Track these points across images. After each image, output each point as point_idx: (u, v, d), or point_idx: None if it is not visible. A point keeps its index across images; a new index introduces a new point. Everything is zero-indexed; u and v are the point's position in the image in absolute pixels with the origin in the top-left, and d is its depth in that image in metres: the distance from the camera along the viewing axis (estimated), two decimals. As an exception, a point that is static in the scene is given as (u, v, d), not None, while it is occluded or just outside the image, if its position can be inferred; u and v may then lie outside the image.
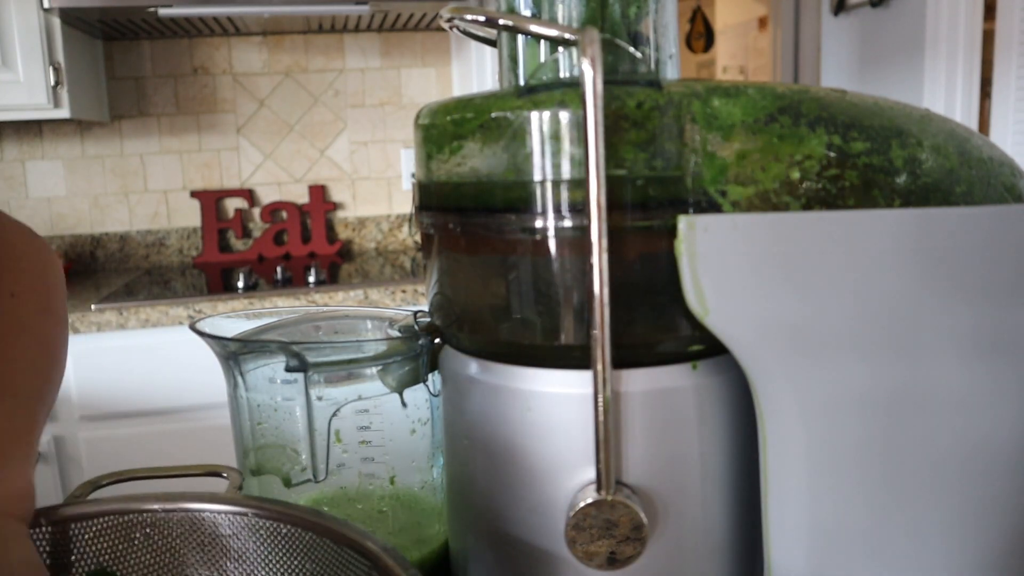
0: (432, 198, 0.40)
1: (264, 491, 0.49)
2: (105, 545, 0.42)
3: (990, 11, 1.94)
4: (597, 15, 0.38)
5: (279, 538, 0.41)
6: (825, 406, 0.35)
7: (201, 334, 0.47)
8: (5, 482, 0.40)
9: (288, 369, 0.45)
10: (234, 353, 0.47)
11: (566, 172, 0.35)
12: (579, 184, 0.35)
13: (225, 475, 0.46)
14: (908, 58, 2.11)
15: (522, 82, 0.39)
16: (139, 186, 2.07)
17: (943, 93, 2.01)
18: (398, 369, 0.46)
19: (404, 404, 0.47)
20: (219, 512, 0.42)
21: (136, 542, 0.43)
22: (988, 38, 1.95)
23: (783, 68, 2.73)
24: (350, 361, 0.45)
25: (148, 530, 0.43)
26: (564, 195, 0.36)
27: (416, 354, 0.46)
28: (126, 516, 0.42)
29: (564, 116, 0.35)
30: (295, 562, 0.41)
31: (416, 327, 0.47)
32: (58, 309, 0.49)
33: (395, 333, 0.49)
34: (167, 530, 0.42)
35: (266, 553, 0.41)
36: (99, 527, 0.42)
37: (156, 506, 0.43)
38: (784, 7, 2.71)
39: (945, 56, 1.99)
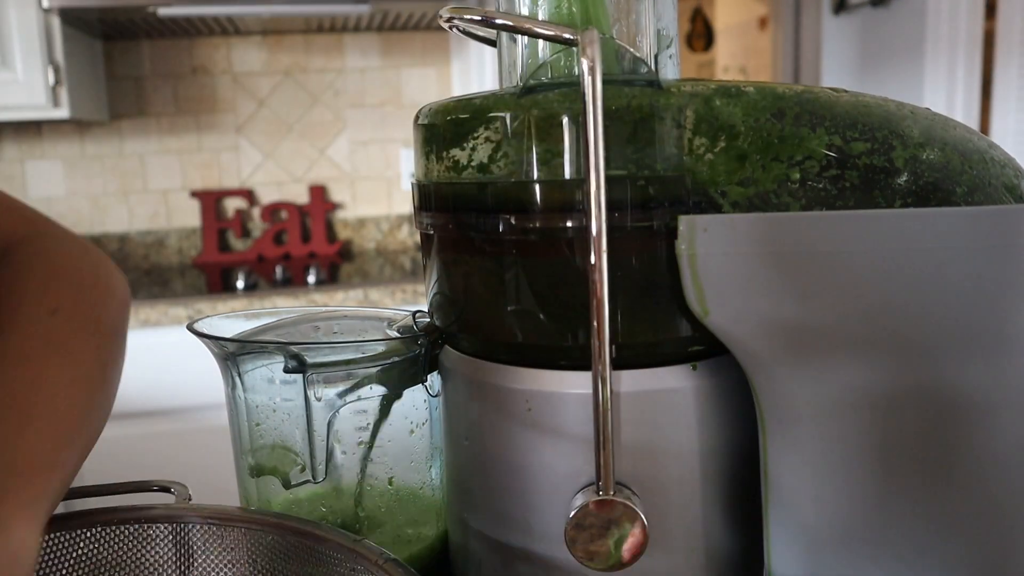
0: (431, 198, 0.40)
1: (262, 492, 0.49)
2: (48, 564, 0.41)
3: (991, 11, 1.94)
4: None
5: (251, 544, 0.41)
6: (825, 406, 0.35)
7: (199, 334, 0.47)
8: None
9: (287, 370, 0.45)
10: (232, 354, 0.47)
11: (566, 172, 0.35)
12: (579, 184, 0.35)
13: (173, 490, 0.46)
14: (908, 58, 2.11)
15: (522, 82, 0.39)
16: (139, 186, 2.07)
17: (943, 93, 2.01)
18: (397, 370, 0.46)
19: (400, 397, 0.47)
20: (173, 521, 0.41)
21: (80, 561, 0.42)
22: (989, 38, 1.95)
23: (783, 68, 2.73)
24: (349, 362, 0.45)
25: (93, 547, 0.41)
26: (564, 195, 0.35)
27: (415, 355, 0.46)
28: (71, 533, 0.41)
29: (564, 116, 0.35)
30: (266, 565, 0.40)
31: (415, 327, 0.47)
32: (108, 325, 0.45)
33: (394, 333, 0.48)
34: (116, 545, 0.42)
35: (226, 560, 0.41)
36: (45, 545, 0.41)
37: (97, 522, 0.41)
38: (784, 7, 2.71)
39: (945, 56, 1.99)
